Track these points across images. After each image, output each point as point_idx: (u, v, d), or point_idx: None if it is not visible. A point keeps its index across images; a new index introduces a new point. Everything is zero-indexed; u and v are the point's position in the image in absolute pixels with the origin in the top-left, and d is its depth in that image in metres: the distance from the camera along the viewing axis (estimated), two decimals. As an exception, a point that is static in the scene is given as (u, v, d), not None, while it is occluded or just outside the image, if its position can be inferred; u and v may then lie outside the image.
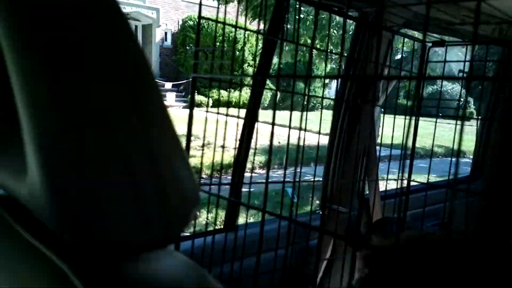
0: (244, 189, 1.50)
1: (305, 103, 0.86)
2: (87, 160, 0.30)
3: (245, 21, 1.10)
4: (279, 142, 5.69)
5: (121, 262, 0.37)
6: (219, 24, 1.08)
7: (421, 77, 0.97)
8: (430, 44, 1.40)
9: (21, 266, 0.42)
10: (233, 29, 1.17)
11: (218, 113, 1.19)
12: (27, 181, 0.34)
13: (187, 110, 1.18)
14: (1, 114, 0.41)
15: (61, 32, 0.29)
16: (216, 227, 1.51)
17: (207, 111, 1.14)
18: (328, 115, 1.74)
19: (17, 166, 0.37)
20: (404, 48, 1.63)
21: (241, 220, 1.40)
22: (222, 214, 1.52)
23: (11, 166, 0.39)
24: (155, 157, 0.33)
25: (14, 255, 0.43)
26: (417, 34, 1.46)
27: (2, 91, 0.40)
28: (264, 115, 1.57)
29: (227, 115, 1.17)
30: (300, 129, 0.79)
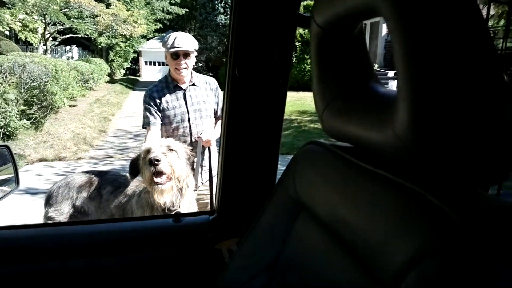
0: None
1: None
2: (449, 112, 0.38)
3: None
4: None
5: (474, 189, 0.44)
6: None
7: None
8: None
9: (382, 195, 0.50)
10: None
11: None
12: (395, 125, 0.43)
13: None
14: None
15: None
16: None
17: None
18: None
19: (381, 123, 0.47)
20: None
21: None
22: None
23: (375, 124, 0.48)
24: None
25: (373, 189, 0.52)
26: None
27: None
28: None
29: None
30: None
